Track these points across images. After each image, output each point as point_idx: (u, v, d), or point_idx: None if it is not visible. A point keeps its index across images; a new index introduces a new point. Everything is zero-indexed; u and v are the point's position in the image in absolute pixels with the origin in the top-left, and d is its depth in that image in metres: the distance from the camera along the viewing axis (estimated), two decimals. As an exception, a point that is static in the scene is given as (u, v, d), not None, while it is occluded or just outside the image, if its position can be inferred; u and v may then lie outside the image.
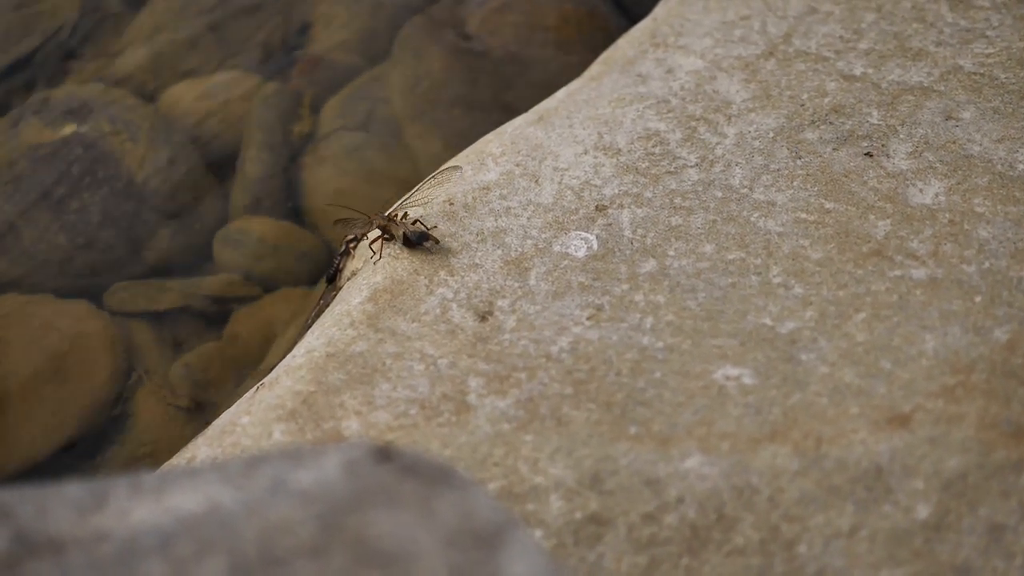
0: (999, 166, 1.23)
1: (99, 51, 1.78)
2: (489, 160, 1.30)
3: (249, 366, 1.46)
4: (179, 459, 1.14)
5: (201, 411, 1.42)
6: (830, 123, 1.29)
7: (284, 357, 1.39)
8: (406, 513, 0.67)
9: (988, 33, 1.38)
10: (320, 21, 1.81)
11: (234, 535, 0.68)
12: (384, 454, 0.71)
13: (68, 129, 1.66)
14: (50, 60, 1.77)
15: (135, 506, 0.71)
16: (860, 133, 1.28)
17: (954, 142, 1.26)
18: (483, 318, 1.15)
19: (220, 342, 1.49)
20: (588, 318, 1.14)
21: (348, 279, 1.27)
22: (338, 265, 1.31)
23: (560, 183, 1.27)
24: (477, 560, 0.65)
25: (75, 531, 0.70)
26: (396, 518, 0.67)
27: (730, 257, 1.18)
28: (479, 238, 1.22)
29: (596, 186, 1.26)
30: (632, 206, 1.24)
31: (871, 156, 1.25)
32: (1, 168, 1.63)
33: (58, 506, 0.72)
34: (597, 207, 1.24)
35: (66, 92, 1.71)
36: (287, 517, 0.68)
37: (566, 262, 1.19)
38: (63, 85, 1.73)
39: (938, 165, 1.24)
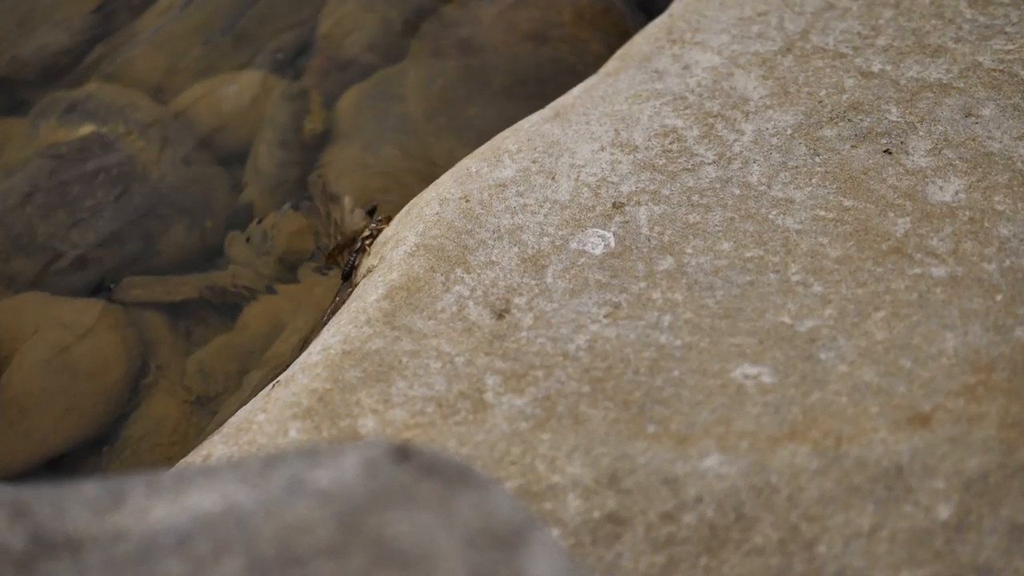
0: (1019, 163, 1.22)
1: (114, 52, 1.78)
2: (505, 157, 1.30)
3: (259, 361, 1.46)
4: (195, 456, 1.14)
5: (212, 405, 1.42)
6: (848, 120, 1.28)
7: (293, 348, 1.38)
8: (425, 513, 0.67)
9: (1007, 29, 1.37)
10: (335, 20, 1.81)
11: (252, 535, 0.67)
12: (402, 453, 0.71)
13: (85, 129, 1.66)
14: (66, 61, 1.77)
15: (153, 505, 0.71)
16: (879, 130, 1.27)
17: (974, 139, 1.25)
18: (500, 316, 1.15)
19: (232, 336, 1.48)
20: (605, 316, 1.14)
21: (363, 276, 1.27)
22: (353, 262, 1.31)
23: (577, 180, 1.26)
24: (498, 560, 0.64)
25: (92, 530, 0.70)
26: (415, 518, 0.67)
27: (748, 255, 1.17)
28: (495, 235, 1.22)
29: (613, 183, 1.25)
30: (649, 203, 1.23)
31: (890, 153, 1.25)
32: (17, 168, 1.63)
33: (75, 505, 0.71)
34: (614, 204, 1.23)
35: (82, 93, 1.71)
36: (305, 517, 0.68)
37: (583, 259, 1.19)
38: (79, 86, 1.73)
39: (958, 162, 1.23)
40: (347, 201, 1.52)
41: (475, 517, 0.66)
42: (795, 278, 1.15)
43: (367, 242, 1.31)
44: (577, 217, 1.23)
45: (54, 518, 0.70)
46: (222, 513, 0.69)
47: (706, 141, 1.28)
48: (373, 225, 1.34)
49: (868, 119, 1.28)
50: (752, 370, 1.08)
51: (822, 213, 1.20)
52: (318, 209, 1.57)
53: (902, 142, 1.25)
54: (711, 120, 1.30)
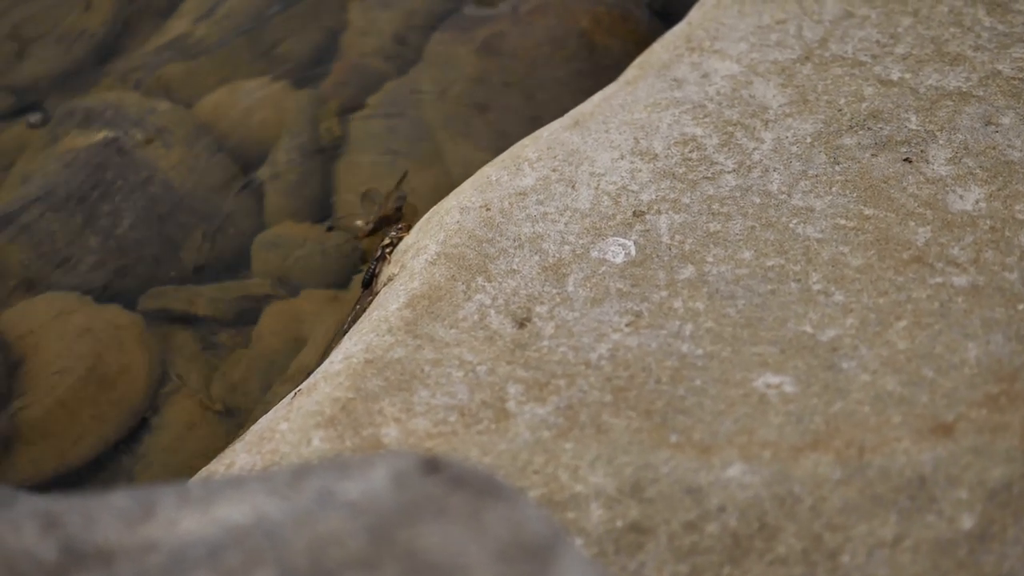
0: (1040, 172, 1.22)
1: (133, 58, 1.78)
2: (525, 165, 1.30)
3: (280, 369, 1.46)
4: (217, 465, 1.14)
5: (234, 413, 1.43)
6: (868, 128, 1.28)
7: (318, 361, 1.39)
8: (456, 526, 0.67)
9: (1027, 37, 1.37)
10: (352, 27, 1.81)
11: (283, 546, 0.68)
12: (432, 465, 0.71)
13: (102, 135, 1.66)
14: (85, 67, 1.78)
15: (182, 516, 0.71)
16: (899, 138, 1.27)
17: (994, 148, 1.25)
18: (521, 324, 1.15)
19: (253, 345, 1.49)
20: (627, 325, 1.14)
21: (384, 284, 1.27)
22: (374, 270, 1.31)
23: (597, 188, 1.26)
24: (529, 574, 0.64)
25: (123, 541, 0.70)
26: (446, 531, 0.67)
27: (769, 263, 1.17)
28: (516, 244, 1.22)
29: (633, 191, 1.25)
30: (670, 212, 1.23)
31: (910, 162, 1.25)
32: (36, 174, 1.63)
33: (106, 515, 0.72)
34: (635, 213, 1.23)
35: (100, 99, 1.72)
36: (336, 529, 0.68)
37: (604, 268, 1.19)
38: (97, 92, 1.73)
39: (978, 171, 1.23)
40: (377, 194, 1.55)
41: (506, 530, 0.67)
42: (816, 287, 1.15)
43: (388, 250, 1.31)
44: (597, 226, 1.23)
45: (85, 529, 0.71)
46: (252, 525, 0.69)
47: (726, 149, 1.28)
48: (394, 233, 1.34)
49: (888, 127, 1.28)
50: (774, 379, 1.08)
51: (842, 222, 1.20)
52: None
53: (922, 151, 1.25)
54: (731, 128, 1.30)
